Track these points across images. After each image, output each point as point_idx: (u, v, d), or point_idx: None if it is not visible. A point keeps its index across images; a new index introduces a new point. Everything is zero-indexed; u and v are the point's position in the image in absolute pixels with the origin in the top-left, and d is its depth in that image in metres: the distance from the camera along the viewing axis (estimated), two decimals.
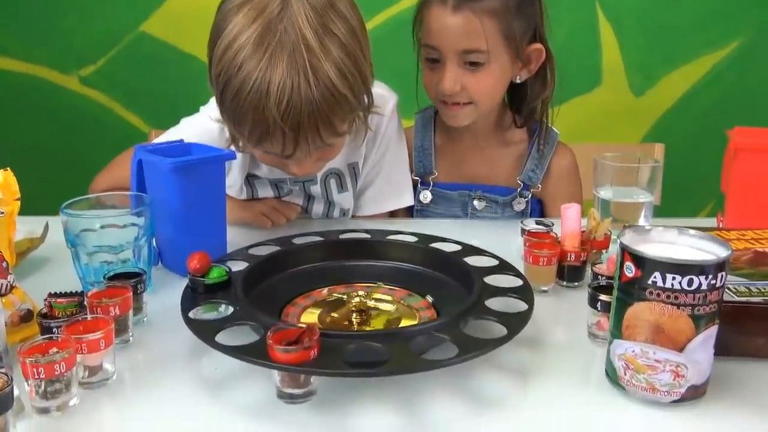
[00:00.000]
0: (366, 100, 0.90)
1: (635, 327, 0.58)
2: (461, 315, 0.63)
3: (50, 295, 0.65)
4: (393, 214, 1.17)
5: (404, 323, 0.70)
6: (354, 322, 0.70)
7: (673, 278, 0.55)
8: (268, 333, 0.55)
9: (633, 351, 0.58)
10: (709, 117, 1.96)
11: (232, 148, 1.01)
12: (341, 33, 0.81)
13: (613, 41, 1.91)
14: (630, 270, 0.57)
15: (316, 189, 1.10)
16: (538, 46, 1.08)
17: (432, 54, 1.06)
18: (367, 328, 0.69)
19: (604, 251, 0.87)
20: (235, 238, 0.95)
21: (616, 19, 1.88)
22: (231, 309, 0.65)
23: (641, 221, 0.99)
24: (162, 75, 1.96)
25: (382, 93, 1.12)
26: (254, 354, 0.55)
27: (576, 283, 0.84)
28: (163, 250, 0.89)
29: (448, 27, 1.02)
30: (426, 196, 1.18)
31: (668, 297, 0.55)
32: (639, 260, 0.57)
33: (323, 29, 0.80)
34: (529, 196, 1.16)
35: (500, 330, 0.61)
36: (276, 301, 0.74)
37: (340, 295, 0.76)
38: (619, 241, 0.59)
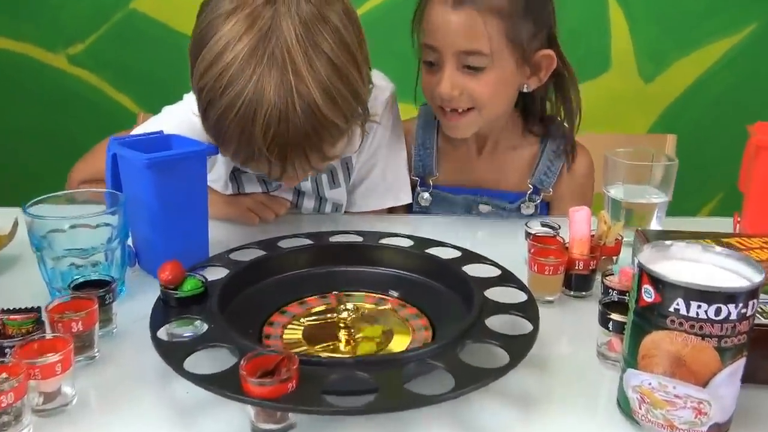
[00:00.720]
0: (360, 112, 0.83)
1: (653, 357, 0.52)
2: (459, 338, 0.56)
3: (3, 311, 0.59)
4: (390, 211, 1.10)
5: (396, 339, 0.65)
6: (342, 339, 0.64)
7: (699, 306, 0.49)
8: (242, 362, 0.49)
9: (650, 384, 0.52)
10: (721, 105, 1.89)
11: None
12: (331, 49, 0.75)
13: (623, 25, 1.83)
14: (649, 294, 0.51)
15: (306, 184, 1.04)
16: (548, 52, 0.98)
17: (430, 56, 0.98)
18: (356, 348, 0.63)
19: (614, 258, 0.81)
20: (219, 237, 0.89)
21: (627, 3, 1.80)
22: (205, 327, 0.59)
23: (654, 223, 0.92)
24: (153, 54, 1.88)
25: (378, 82, 1.04)
26: (226, 385, 0.49)
27: (584, 293, 0.77)
28: (140, 251, 0.82)
29: (447, 25, 0.94)
30: (425, 197, 1.09)
31: (692, 327, 0.49)
32: (659, 284, 0.50)
33: (312, 47, 0.74)
34: (539, 200, 1.07)
35: (501, 355, 0.55)
36: (258, 312, 0.68)
37: (328, 305, 0.70)
38: (636, 260, 0.53)
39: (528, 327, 0.60)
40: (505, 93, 1.00)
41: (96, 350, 0.63)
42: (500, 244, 0.95)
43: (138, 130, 1.01)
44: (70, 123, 1.94)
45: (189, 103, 0.97)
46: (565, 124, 1.07)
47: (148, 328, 0.60)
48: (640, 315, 0.52)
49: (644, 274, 0.52)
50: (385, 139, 1.06)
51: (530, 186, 1.07)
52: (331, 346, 0.64)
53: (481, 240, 1.00)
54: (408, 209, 1.11)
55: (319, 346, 0.64)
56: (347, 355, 0.61)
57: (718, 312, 0.48)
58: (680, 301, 0.49)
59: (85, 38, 1.89)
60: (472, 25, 0.92)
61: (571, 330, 0.72)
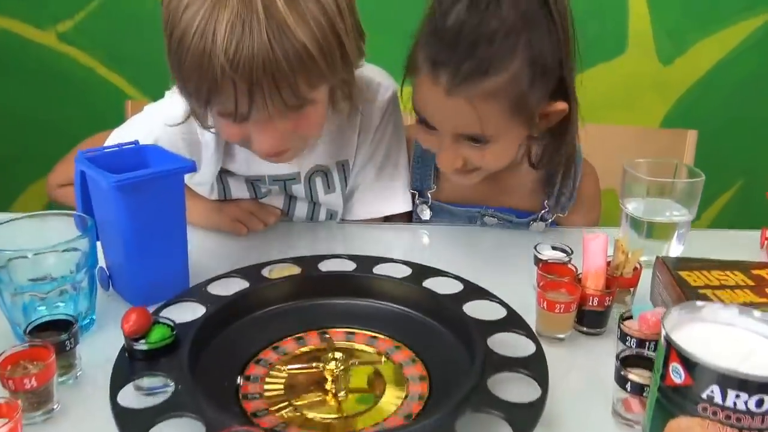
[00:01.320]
0: (344, 70, 0.76)
1: None
2: (458, 407, 0.50)
3: None
4: (387, 219, 1.03)
5: (389, 394, 0.58)
6: (330, 393, 0.58)
7: (737, 396, 0.42)
8: None
9: None
10: (743, 90, 1.80)
11: (199, 134, 0.88)
12: None
13: (641, 4, 1.72)
14: (678, 375, 0.44)
15: (298, 188, 0.96)
16: (562, 105, 0.82)
17: (425, 122, 0.84)
18: (343, 405, 0.57)
19: (632, 290, 0.74)
20: (201, 257, 0.82)
21: None
22: (172, 387, 0.52)
23: (674, 244, 0.85)
24: (148, 32, 1.78)
25: (379, 80, 0.96)
26: None
27: (597, 330, 0.70)
28: (114, 275, 0.76)
29: (441, 110, 0.80)
30: (424, 211, 1.00)
31: (727, 417, 0.42)
32: (691, 366, 0.43)
33: None
34: (551, 219, 0.98)
35: (505, 430, 0.49)
36: (236, 356, 0.61)
37: (315, 348, 0.64)
38: (663, 332, 0.46)
39: (535, 392, 0.53)
40: (512, 151, 0.86)
41: (55, 404, 0.57)
42: (507, 263, 0.88)
43: (119, 131, 0.94)
44: (59, 104, 1.86)
45: (171, 96, 0.90)
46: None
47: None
48: (666, 395, 0.45)
49: (673, 351, 0.44)
50: (384, 142, 0.98)
51: (547, 206, 0.97)
52: (318, 400, 0.58)
53: (487, 256, 0.92)
54: (408, 218, 1.03)
55: (303, 401, 0.57)
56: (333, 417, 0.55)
57: (760, 404, 0.41)
58: (715, 388, 0.42)
59: (74, 14, 1.79)
60: (468, 111, 0.77)
61: (583, 376, 0.65)
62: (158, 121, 0.89)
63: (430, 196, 1.00)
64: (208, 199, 0.95)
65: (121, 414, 0.49)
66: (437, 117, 0.81)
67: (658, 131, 1.62)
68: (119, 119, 1.31)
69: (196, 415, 0.48)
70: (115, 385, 0.52)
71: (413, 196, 1.00)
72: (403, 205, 1.00)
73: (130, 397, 0.54)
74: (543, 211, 0.97)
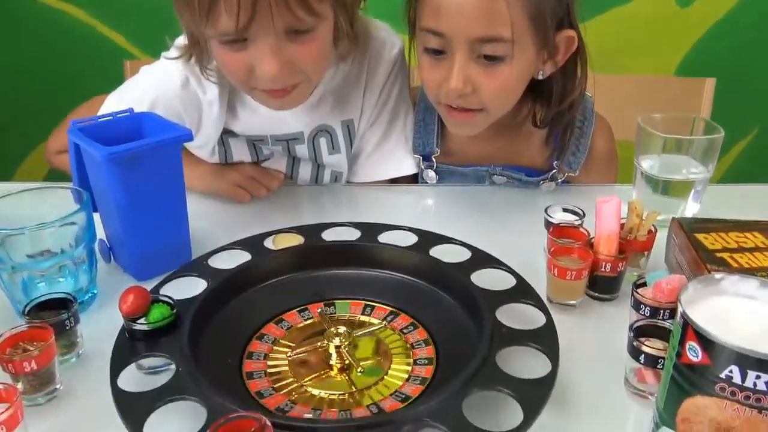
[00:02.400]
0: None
1: (696, 424, 0.43)
2: (464, 386, 0.48)
3: None
4: (393, 181, 1.00)
5: (395, 368, 0.57)
6: (335, 368, 0.57)
7: (757, 376, 0.40)
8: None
9: None
10: (762, 33, 1.71)
11: (200, 94, 0.86)
12: None
13: None
14: (695, 353, 0.42)
15: (302, 149, 0.94)
16: (570, 33, 0.81)
17: (434, 43, 0.80)
18: (350, 378, 0.56)
19: (646, 253, 0.71)
20: (202, 227, 0.80)
21: None
22: (173, 369, 0.51)
23: (690, 202, 0.82)
24: None
25: (385, 37, 0.93)
26: None
27: (610, 296, 0.68)
28: (114, 247, 0.74)
29: (460, 6, 0.76)
30: (430, 176, 0.97)
31: (747, 398, 0.40)
32: (709, 344, 0.41)
33: None
34: (562, 179, 0.95)
35: (514, 408, 0.47)
36: (238, 333, 0.60)
37: (319, 321, 0.63)
38: (680, 308, 0.43)
39: (545, 366, 0.51)
40: (520, 86, 0.84)
41: (58, 384, 0.56)
42: (517, 225, 0.85)
43: (115, 94, 0.91)
44: (59, 65, 1.82)
45: (166, 57, 0.87)
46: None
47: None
48: (681, 373, 0.44)
49: (690, 329, 0.42)
50: (390, 102, 0.95)
51: (555, 167, 0.94)
52: (324, 375, 0.56)
53: (496, 218, 0.89)
54: (414, 181, 1.00)
55: (309, 378, 0.56)
56: (333, 408, 0.53)
57: None
58: (734, 368, 0.40)
59: None
60: (491, 5, 0.75)
61: (595, 344, 0.63)
62: (154, 84, 0.86)
63: (434, 159, 0.96)
64: (208, 163, 0.93)
65: (121, 398, 0.48)
66: (453, 17, 0.77)
67: (673, 79, 1.56)
68: (119, 79, 1.28)
69: (198, 398, 0.47)
70: (116, 367, 0.51)
71: (418, 160, 0.98)
72: (409, 167, 0.97)
73: (131, 377, 0.53)
74: (553, 171, 0.94)
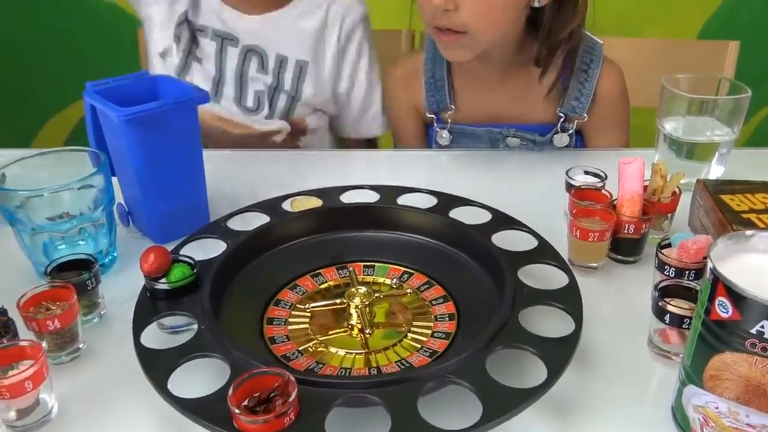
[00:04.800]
0: None
1: (723, 380, 0.43)
2: (488, 343, 0.48)
3: None
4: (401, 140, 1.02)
5: (416, 333, 0.56)
6: (355, 329, 0.57)
7: None
8: (230, 390, 0.42)
9: (717, 408, 0.44)
10: None
11: None
12: None
13: None
14: (725, 309, 0.41)
15: (234, 52, 0.99)
16: None
17: None
18: (367, 339, 0.56)
19: (669, 215, 0.70)
20: (219, 190, 0.79)
21: None
22: (195, 328, 0.51)
23: (715, 165, 0.80)
24: None
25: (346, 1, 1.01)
26: (215, 414, 0.42)
27: (633, 258, 0.68)
28: (133, 210, 0.74)
29: None
30: (444, 136, 0.97)
31: None
32: (739, 299, 0.40)
33: None
34: (573, 128, 0.94)
35: (536, 364, 0.47)
36: (259, 294, 0.60)
37: (339, 282, 0.62)
38: (710, 264, 0.42)
39: (569, 324, 0.51)
40: (507, 13, 0.83)
41: (81, 343, 0.56)
42: (536, 189, 0.84)
43: None
44: (73, 33, 1.80)
45: None
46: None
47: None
48: (710, 330, 0.43)
49: (720, 284, 0.41)
50: (362, 63, 1.04)
51: (560, 115, 0.93)
52: (344, 333, 0.56)
53: (515, 182, 0.88)
54: (428, 143, 1.00)
55: (329, 335, 0.56)
56: (361, 364, 0.53)
57: None
58: (766, 323, 0.39)
59: None
60: None
61: (618, 306, 0.63)
62: None
63: (449, 119, 0.96)
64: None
65: (144, 355, 0.48)
66: None
67: (695, 42, 1.53)
68: (133, 48, 1.26)
69: (222, 355, 0.47)
70: (138, 326, 0.51)
71: (430, 121, 0.98)
72: (375, 129, 1.08)
73: (154, 337, 0.54)
74: (560, 121, 0.93)
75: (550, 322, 0.52)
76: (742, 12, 1.68)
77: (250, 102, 1.01)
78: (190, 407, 0.43)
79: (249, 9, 0.99)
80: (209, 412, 0.43)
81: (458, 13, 0.81)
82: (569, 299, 0.53)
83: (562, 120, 0.94)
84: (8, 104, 1.85)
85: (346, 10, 1.00)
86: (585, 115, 0.93)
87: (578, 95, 0.93)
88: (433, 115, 0.97)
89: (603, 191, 0.70)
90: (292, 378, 0.42)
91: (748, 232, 0.46)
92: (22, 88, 1.82)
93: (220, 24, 0.99)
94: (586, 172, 0.75)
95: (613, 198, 0.68)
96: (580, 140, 0.99)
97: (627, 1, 1.61)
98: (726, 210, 0.65)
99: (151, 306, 0.54)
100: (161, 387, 0.45)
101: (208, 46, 1.00)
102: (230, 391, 0.42)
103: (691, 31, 1.71)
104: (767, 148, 0.97)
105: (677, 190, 0.69)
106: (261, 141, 1.02)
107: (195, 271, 0.56)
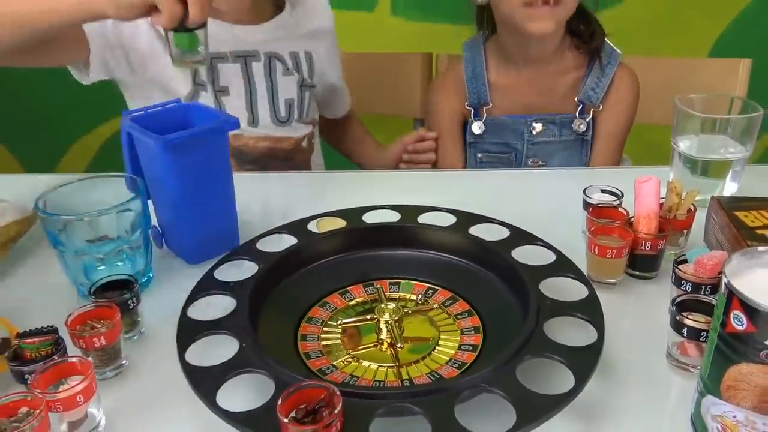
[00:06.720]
0: None
1: (741, 390, 0.45)
2: (516, 354, 0.50)
3: (18, 335, 0.55)
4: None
5: (442, 344, 0.59)
6: (385, 343, 0.59)
7: None
8: (279, 401, 0.45)
9: (734, 417, 0.46)
10: None
11: None
12: None
13: None
14: (740, 322, 0.43)
15: (258, 66, 1.07)
16: None
17: None
18: (397, 353, 0.58)
19: (685, 232, 0.72)
20: (243, 215, 0.82)
21: None
22: (236, 344, 0.54)
23: (729, 182, 0.82)
24: None
25: (320, 3, 1.15)
26: (264, 427, 0.45)
27: (650, 274, 0.70)
28: (166, 232, 0.78)
29: None
30: (478, 126, 1.12)
31: None
32: (754, 312, 0.42)
33: None
34: (590, 117, 1.10)
35: (563, 373, 0.49)
36: (292, 312, 0.63)
37: (367, 299, 0.65)
38: (724, 279, 0.45)
39: (592, 334, 0.53)
40: None
41: (123, 359, 0.59)
42: (553, 208, 0.86)
43: None
44: None
45: None
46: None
47: (177, 324, 0.57)
48: (726, 342, 0.45)
49: (735, 299, 0.44)
50: (333, 42, 1.18)
51: (578, 103, 1.10)
52: (373, 348, 0.59)
53: (532, 201, 0.91)
54: (463, 140, 1.16)
55: (360, 350, 0.59)
56: (392, 377, 0.56)
57: None
58: None
59: None
60: None
61: (636, 320, 0.65)
62: None
63: (485, 112, 1.12)
64: None
65: (192, 372, 0.51)
66: None
67: (707, 61, 1.55)
68: None
69: (266, 371, 0.50)
70: (182, 345, 0.54)
71: (468, 114, 1.14)
72: (344, 109, 1.29)
73: (193, 354, 0.56)
74: (578, 108, 1.10)
75: (572, 333, 0.54)
76: (753, 30, 1.70)
77: (282, 112, 1.08)
78: (240, 419, 0.45)
79: (255, 19, 1.06)
80: (258, 423, 0.45)
81: None
82: (590, 310, 0.56)
83: (580, 108, 1.10)
84: (33, 131, 1.91)
85: (325, 8, 1.15)
86: (600, 104, 1.10)
87: (594, 86, 1.10)
88: (472, 108, 1.13)
89: (620, 209, 0.72)
90: (336, 390, 0.45)
91: (762, 248, 0.48)
92: (46, 116, 1.88)
93: (237, 44, 1.04)
94: (603, 191, 0.77)
95: (630, 216, 0.71)
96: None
97: (640, 18, 1.65)
98: (740, 226, 0.67)
99: (192, 327, 0.57)
100: (211, 401, 0.48)
101: (231, 70, 1.04)
102: (279, 402, 0.44)
103: (703, 49, 1.74)
104: None
105: (692, 207, 0.71)
106: (289, 152, 1.10)
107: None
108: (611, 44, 1.11)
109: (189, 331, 0.56)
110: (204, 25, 0.77)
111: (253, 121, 1.07)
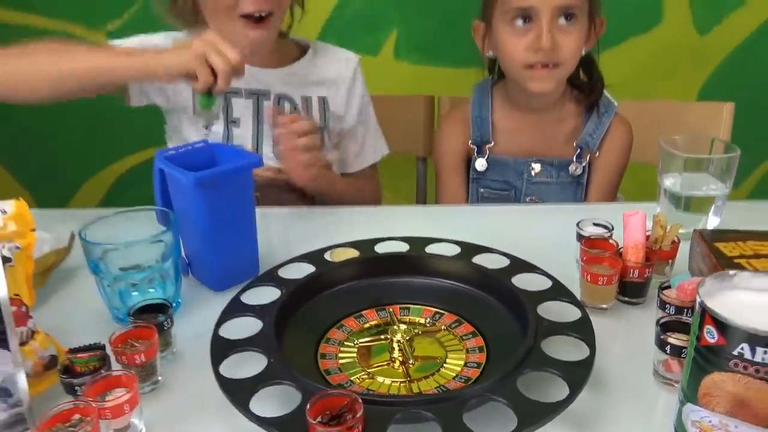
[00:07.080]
0: None
1: (714, 397, 0.51)
2: (517, 368, 0.56)
3: (70, 350, 0.62)
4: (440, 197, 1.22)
5: (450, 361, 0.65)
6: (397, 361, 0.65)
7: (765, 352, 0.47)
8: (308, 406, 0.50)
9: (710, 421, 0.51)
10: None
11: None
12: None
13: None
14: (711, 335, 0.50)
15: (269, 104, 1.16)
16: (602, 19, 1.11)
17: (520, 18, 1.07)
18: (409, 369, 0.64)
19: (670, 261, 0.79)
20: (263, 247, 0.89)
21: None
22: (264, 360, 0.60)
23: (711, 216, 0.89)
24: None
25: (345, 53, 1.22)
26: (292, 429, 0.51)
27: (638, 300, 0.76)
28: (192, 261, 0.84)
29: None
30: (481, 163, 1.20)
31: (757, 371, 0.48)
32: (723, 327, 0.49)
33: None
34: (586, 162, 1.17)
35: (558, 384, 0.55)
36: (312, 333, 0.69)
37: (379, 322, 0.71)
38: (698, 299, 0.51)
39: (584, 350, 0.59)
40: (580, 51, 1.11)
41: (159, 376, 0.65)
42: (549, 241, 0.93)
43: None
44: (111, 100, 1.95)
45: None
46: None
47: (205, 344, 0.63)
48: (701, 354, 0.51)
49: (707, 315, 0.50)
50: (366, 101, 1.24)
51: (577, 148, 1.17)
52: (386, 366, 0.65)
53: (529, 234, 0.98)
54: (466, 177, 1.23)
55: (374, 367, 0.65)
56: (404, 391, 0.62)
57: None
58: (745, 346, 0.48)
59: (122, 13, 1.87)
60: None
61: (626, 341, 0.71)
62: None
63: (488, 150, 1.20)
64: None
65: (226, 383, 0.57)
66: None
67: (694, 104, 1.64)
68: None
69: (291, 382, 0.56)
70: (215, 361, 0.60)
71: (472, 151, 1.21)
72: (382, 150, 1.29)
73: (226, 368, 0.62)
74: (576, 153, 1.18)
75: (567, 349, 0.60)
76: (739, 74, 1.80)
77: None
78: (273, 423, 0.51)
79: (275, 64, 1.16)
80: (288, 427, 0.51)
81: (556, 51, 1.06)
82: (583, 329, 0.62)
83: (577, 153, 1.18)
84: (46, 169, 1.98)
85: (348, 58, 1.22)
86: (597, 151, 1.18)
87: (592, 133, 1.18)
88: (475, 146, 1.20)
89: (610, 241, 0.79)
90: (358, 398, 0.51)
91: (731, 272, 0.54)
92: (59, 154, 1.95)
93: (251, 82, 1.13)
94: (595, 224, 0.84)
95: (619, 246, 0.77)
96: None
97: (632, 63, 1.74)
98: (719, 256, 0.74)
99: (224, 344, 0.63)
100: (245, 408, 0.54)
101: (243, 105, 1.14)
102: (308, 407, 0.50)
103: (692, 89, 1.83)
104: (759, 201, 1.05)
105: (676, 238, 0.78)
106: (290, 182, 1.11)
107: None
108: (608, 95, 1.19)
109: (221, 348, 0.62)
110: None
111: (257, 152, 1.15)
